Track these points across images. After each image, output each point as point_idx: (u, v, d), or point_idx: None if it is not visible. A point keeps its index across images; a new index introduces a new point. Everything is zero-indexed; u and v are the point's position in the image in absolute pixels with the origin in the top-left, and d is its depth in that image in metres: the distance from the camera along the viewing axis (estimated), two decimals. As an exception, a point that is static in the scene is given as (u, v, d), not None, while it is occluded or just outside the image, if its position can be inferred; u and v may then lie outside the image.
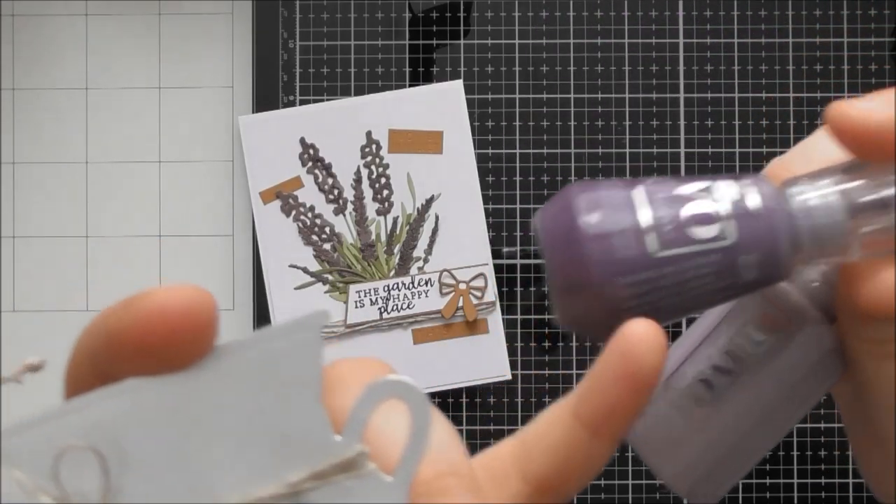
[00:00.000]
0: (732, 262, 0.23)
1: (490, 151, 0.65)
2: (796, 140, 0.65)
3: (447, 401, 0.64)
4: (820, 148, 0.26)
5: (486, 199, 0.65)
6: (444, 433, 0.21)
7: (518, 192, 0.65)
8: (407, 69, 0.66)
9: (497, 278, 0.65)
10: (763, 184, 0.24)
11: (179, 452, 0.18)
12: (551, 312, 0.65)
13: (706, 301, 0.24)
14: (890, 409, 0.25)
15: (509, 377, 0.64)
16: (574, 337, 0.65)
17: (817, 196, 0.23)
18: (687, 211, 0.23)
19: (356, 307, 0.64)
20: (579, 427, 0.23)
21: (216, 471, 0.18)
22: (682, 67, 0.65)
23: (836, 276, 0.26)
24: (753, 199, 0.23)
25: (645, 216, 0.23)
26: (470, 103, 0.65)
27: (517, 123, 0.65)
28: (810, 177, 0.24)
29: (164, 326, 0.18)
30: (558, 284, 0.24)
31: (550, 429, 0.24)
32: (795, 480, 0.64)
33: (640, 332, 0.22)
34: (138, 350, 0.18)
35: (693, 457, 0.26)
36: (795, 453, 0.64)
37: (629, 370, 0.22)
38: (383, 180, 0.65)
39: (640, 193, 0.23)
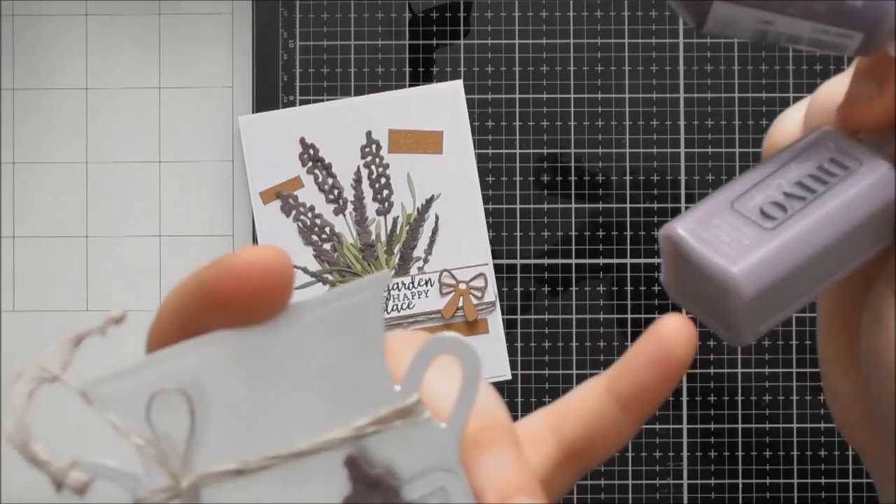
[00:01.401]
0: None
1: (490, 151, 0.65)
2: (796, 140, 0.65)
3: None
4: None
5: (486, 199, 0.65)
6: (489, 394, 0.23)
7: (518, 192, 0.65)
8: (407, 69, 0.66)
9: (497, 278, 0.65)
10: None
11: (257, 400, 0.20)
12: (550, 311, 0.65)
13: (806, 4, 0.25)
14: None
15: (509, 377, 0.64)
16: (574, 337, 0.65)
17: None
18: None
19: (356, 307, 0.64)
20: (612, 401, 0.25)
21: (289, 417, 0.20)
22: (682, 67, 0.65)
23: None
24: None
25: None
26: (470, 103, 0.65)
27: (517, 123, 0.65)
28: None
29: (250, 281, 0.20)
30: None
31: (585, 400, 0.26)
32: (795, 480, 0.64)
33: (675, 324, 0.25)
34: (225, 303, 0.20)
35: (764, 262, 0.25)
36: (795, 453, 0.64)
37: (663, 355, 0.25)
38: (383, 180, 0.65)
39: None
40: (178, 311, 0.21)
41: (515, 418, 0.64)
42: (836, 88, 0.28)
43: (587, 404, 0.26)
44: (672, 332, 0.25)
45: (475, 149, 0.65)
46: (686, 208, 0.65)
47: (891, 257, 0.27)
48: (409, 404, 0.20)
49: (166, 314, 0.21)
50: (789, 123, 0.30)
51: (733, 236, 0.26)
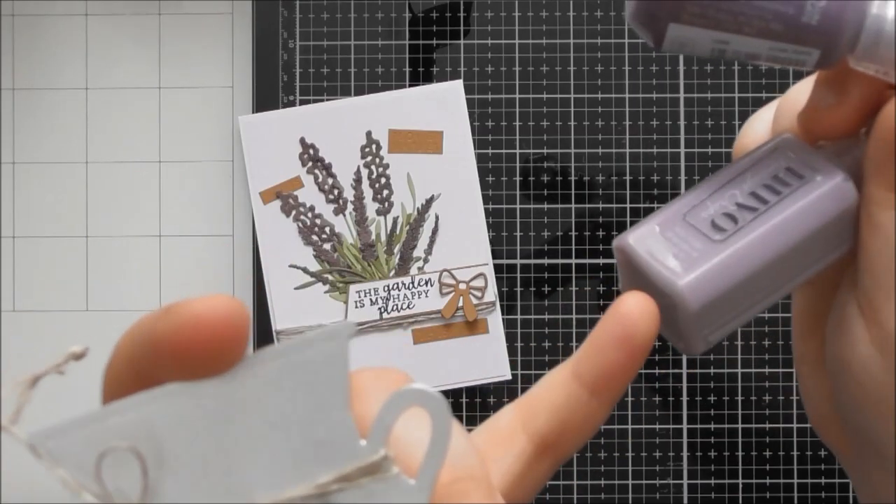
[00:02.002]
0: None
1: (490, 151, 0.65)
2: (796, 140, 0.65)
3: (447, 401, 0.64)
4: None
5: (486, 199, 0.65)
6: (460, 440, 0.22)
7: (518, 192, 0.65)
8: (407, 69, 0.66)
9: (497, 278, 0.65)
10: None
11: (214, 454, 0.19)
12: (550, 311, 0.65)
13: (765, 22, 0.25)
14: (888, 271, 0.25)
15: (509, 377, 0.64)
16: (574, 337, 0.65)
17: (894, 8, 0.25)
18: None
19: (356, 307, 0.64)
20: (579, 387, 0.25)
21: (248, 472, 0.19)
22: (682, 67, 0.65)
23: (861, 148, 0.27)
24: None
25: None
26: (470, 103, 0.65)
27: (517, 123, 0.65)
28: None
29: (203, 334, 0.19)
30: None
31: (551, 390, 0.26)
32: (795, 480, 0.64)
33: (635, 302, 0.25)
34: (178, 356, 0.19)
35: (709, 275, 0.26)
36: (795, 453, 0.64)
37: (626, 334, 0.24)
38: (383, 180, 0.65)
39: None
40: (131, 359, 0.20)
41: (515, 418, 0.64)
42: (802, 93, 0.28)
43: (554, 393, 0.26)
44: (632, 310, 0.25)
45: (475, 149, 0.65)
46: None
47: (853, 263, 0.27)
48: (375, 460, 0.20)
49: (119, 360, 0.20)
50: (758, 126, 0.30)
51: (682, 248, 0.26)
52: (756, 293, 0.26)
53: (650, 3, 0.25)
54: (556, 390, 0.26)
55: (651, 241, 0.26)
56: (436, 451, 0.20)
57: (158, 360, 0.19)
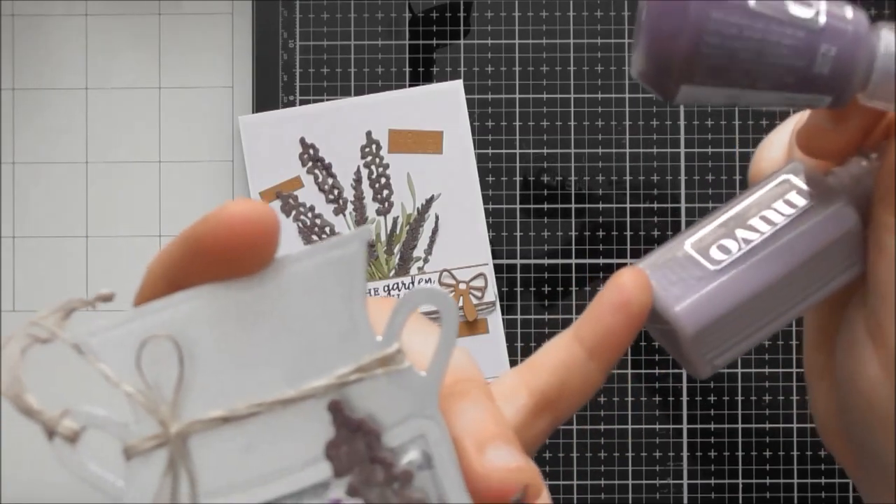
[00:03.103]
0: (814, 45, 0.25)
1: (490, 151, 0.65)
2: (796, 140, 0.65)
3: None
4: None
5: (486, 199, 0.65)
6: (463, 352, 0.24)
7: (518, 192, 0.65)
8: (407, 69, 0.66)
9: (497, 278, 0.65)
10: (859, 14, 0.26)
11: (244, 350, 0.21)
12: (550, 311, 0.65)
13: (777, 77, 0.26)
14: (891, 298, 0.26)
15: (509, 377, 0.64)
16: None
17: None
18: None
19: (356, 307, 0.64)
20: (579, 348, 0.27)
21: (275, 366, 0.21)
22: (682, 67, 0.65)
23: (872, 175, 0.27)
24: (848, 10, 0.26)
25: None
26: (470, 103, 0.65)
27: (517, 123, 0.65)
28: None
29: (235, 233, 0.20)
30: (653, 27, 0.26)
31: (554, 351, 0.28)
32: (795, 480, 0.64)
33: (631, 274, 0.27)
34: (212, 255, 0.20)
35: (705, 300, 0.27)
36: (795, 453, 0.64)
37: (623, 300, 0.27)
38: (383, 180, 0.65)
39: None
40: (166, 268, 0.21)
41: (515, 418, 0.64)
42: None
43: (556, 354, 0.28)
44: (628, 281, 0.27)
45: (475, 149, 0.65)
46: (683, 215, 0.65)
47: (862, 283, 0.28)
48: (390, 353, 0.21)
49: (154, 274, 0.22)
50: (774, 150, 0.30)
51: (682, 276, 0.27)
52: (758, 318, 0.27)
53: (660, 65, 0.26)
54: (558, 352, 0.27)
55: (655, 269, 0.28)
56: (446, 345, 0.21)
57: (193, 263, 0.21)
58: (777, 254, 0.27)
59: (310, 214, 0.65)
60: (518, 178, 0.65)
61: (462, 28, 0.66)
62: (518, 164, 0.65)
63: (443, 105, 0.65)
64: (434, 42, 0.66)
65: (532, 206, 0.65)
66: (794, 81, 0.26)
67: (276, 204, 0.65)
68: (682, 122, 0.65)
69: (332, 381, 0.21)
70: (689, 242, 0.28)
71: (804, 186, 0.28)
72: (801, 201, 0.27)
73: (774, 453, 0.64)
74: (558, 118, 0.65)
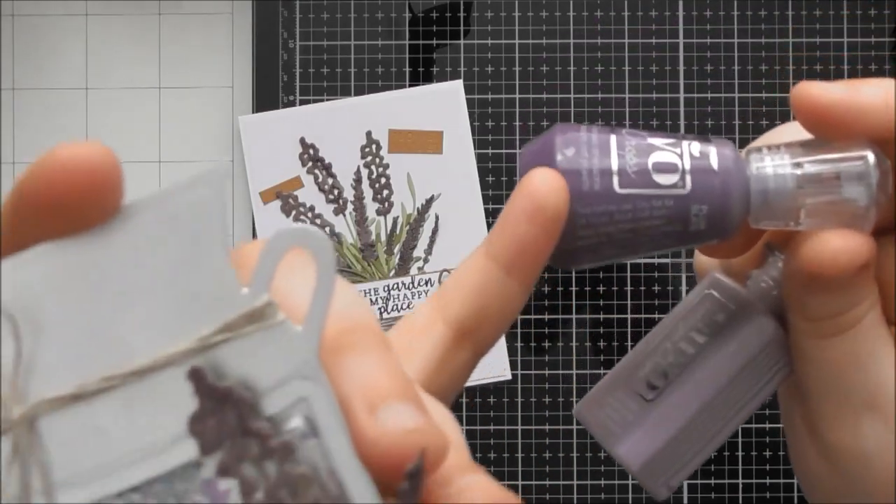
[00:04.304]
0: (685, 209, 0.25)
1: (490, 151, 0.65)
2: (796, 140, 0.65)
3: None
4: (789, 131, 0.28)
5: (486, 199, 0.65)
6: (348, 292, 0.21)
7: (518, 192, 0.65)
8: (407, 69, 0.66)
9: (497, 278, 0.65)
10: (726, 147, 0.26)
11: (91, 315, 0.18)
12: (550, 312, 0.65)
13: (656, 243, 0.26)
14: (829, 394, 0.26)
15: (509, 377, 0.64)
16: (573, 337, 0.65)
17: (772, 164, 0.25)
18: (653, 158, 0.26)
19: (356, 307, 0.64)
20: (493, 266, 0.25)
21: (128, 331, 0.18)
22: (682, 67, 0.65)
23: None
24: (713, 159, 0.26)
25: (614, 158, 0.25)
26: (470, 103, 0.65)
27: (517, 123, 0.65)
28: (771, 148, 0.26)
29: (67, 179, 0.17)
30: None
31: (467, 273, 0.25)
32: (795, 480, 0.64)
33: (542, 176, 0.25)
34: (44, 207, 0.18)
35: (643, 436, 0.28)
36: (795, 453, 0.64)
37: (535, 208, 0.24)
38: (383, 180, 0.65)
39: (615, 139, 0.26)
40: (3, 224, 0.19)
41: (515, 419, 0.64)
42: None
43: (469, 278, 0.25)
44: (540, 185, 0.25)
45: (475, 149, 0.65)
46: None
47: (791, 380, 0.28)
48: (258, 306, 0.18)
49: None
50: (700, 256, 0.31)
51: (621, 413, 0.28)
52: (699, 438, 0.28)
53: (549, 258, 0.26)
54: (472, 274, 0.25)
55: (596, 408, 0.29)
56: (321, 294, 0.18)
57: (28, 218, 0.18)
58: (705, 377, 0.28)
59: (310, 214, 0.65)
60: (518, 178, 0.65)
61: (462, 28, 0.66)
62: (518, 164, 0.65)
63: (443, 105, 0.65)
64: (434, 42, 0.66)
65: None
66: (675, 241, 0.26)
67: (276, 204, 0.65)
68: (681, 122, 0.65)
69: (193, 345, 0.18)
70: (624, 375, 0.29)
71: (725, 299, 0.28)
72: (721, 318, 0.28)
73: (774, 453, 0.64)
74: (558, 118, 0.65)
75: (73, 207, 0.18)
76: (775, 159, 0.25)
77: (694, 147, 0.26)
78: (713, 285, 0.28)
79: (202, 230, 0.18)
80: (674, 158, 0.25)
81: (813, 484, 0.28)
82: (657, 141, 0.26)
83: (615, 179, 0.25)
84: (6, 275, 0.18)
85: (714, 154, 0.26)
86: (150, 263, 0.18)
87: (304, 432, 0.18)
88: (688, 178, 0.25)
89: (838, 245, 0.24)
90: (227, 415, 0.18)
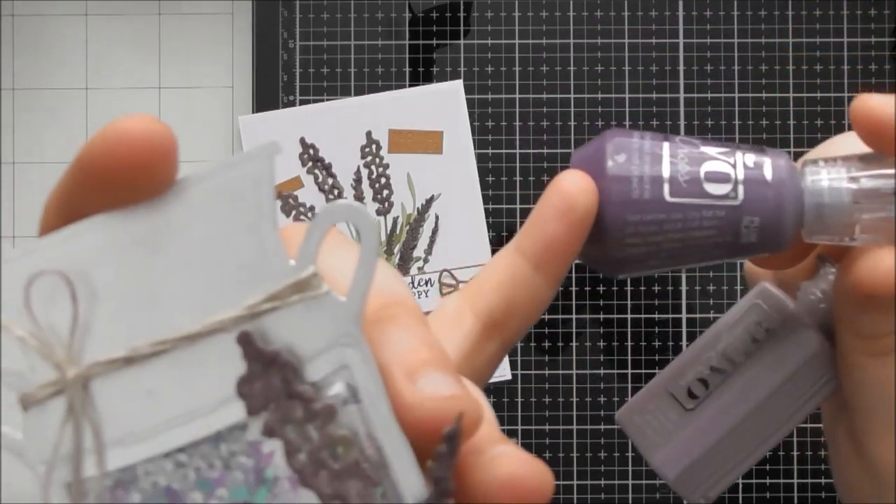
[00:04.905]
0: (736, 221, 0.25)
1: (490, 151, 0.65)
2: (796, 140, 0.65)
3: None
4: (846, 144, 0.27)
5: (486, 199, 0.65)
6: (390, 273, 0.22)
7: (518, 192, 0.65)
8: (407, 69, 0.66)
9: (497, 278, 0.65)
10: (781, 158, 0.25)
11: (144, 283, 0.19)
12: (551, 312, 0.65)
13: (705, 254, 0.26)
14: (876, 411, 0.26)
15: (509, 377, 0.64)
16: (574, 337, 0.65)
17: (828, 178, 0.25)
18: (705, 168, 0.25)
19: (356, 307, 0.64)
20: (522, 261, 0.26)
21: (180, 299, 0.19)
22: (682, 67, 0.65)
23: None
24: (767, 170, 0.25)
25: (666, 166, 0.25)
26: (470, 103, 0.65)
27: (517, 123, 0.65)
28: (828, 161, 0.25)
29: (127, 150, 0.18)
30: None
31: (497, 268, 0.26)
32: (795, 480, 0.64)
33: (573, 178, 0.25)
34: (104, 180, 0.18)
35: (681, 445, 0.28)
36: (795, 453, 0.64)
37: (565, 207, 0.25)
38: (383, 180, 0.65)
39: (667, 146, 0.26)
40: (61, 200, 0.19)
41: (515, 419, 0.64)
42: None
43: (499, 272, 0.26)
44: (571, 186, 0.25)
45: (475, 149, 0.65)
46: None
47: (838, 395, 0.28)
48: (304, 277, 0.19)
49: (49, 210, 0.20)
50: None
51: (661, 421, 0.28)
52: (738, 451, 0.28)
53: (594, 263, 0.26)
54: (501, 269, 0.26)
55: (636, 415, 0.29)
56: (365, 266, 0.19)
57: (88, 188, 0.19)
58: (746, 388, 0.28)
59: (310, 214, 0.65)
60: (518, 178, 0.65)
61: (462, 28, 0.66)
62: (518, 164, 0.65)
63: (443, 105, 0.65)
64: (434, 42, 0.66)
65: (532, 206, 0.65)
66: (725, 253, 0.26)
67: (276, 204, 0.65)
68: (682, 122, 0.65)
69: (242, 313, 0.19)
70: (666, 382, 0.29)
71: (772, 311, 0.28)
72: (771, 328, 0.28)
73: (774, 453, 0.64)
74: (558, 118, 0.65)
75: (131, 178, 0.18)
76: (831, 172, 0.25)
77: (748, 157, 0.25)
78: (761, 295, 0.28)
79: (253, 203, 0.19)
80: (726, 168, 0.25)
81: (853, 497, 0.28)
82: (710, 150, 0.26)
83: (666, 188, 0.25)
84: (67, 240, 0.19)
85: (768, 165, 0.25)
86: (202, 234, 0.19)
87: (346, 398, 0.19)
88: (740, 189, 0.25)
89: (893, 264, 0.24)
90: (272, 378, 0.19)
